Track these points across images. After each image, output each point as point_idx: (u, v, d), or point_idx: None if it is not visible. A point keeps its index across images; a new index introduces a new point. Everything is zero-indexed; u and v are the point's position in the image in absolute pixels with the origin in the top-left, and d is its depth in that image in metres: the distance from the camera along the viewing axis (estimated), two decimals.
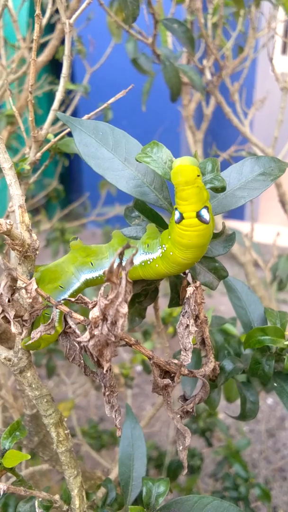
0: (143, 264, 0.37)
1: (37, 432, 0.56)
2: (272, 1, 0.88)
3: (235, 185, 0.39)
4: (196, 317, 0.38)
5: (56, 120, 0.55)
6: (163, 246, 0.35)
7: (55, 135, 0.55)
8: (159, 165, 0.34)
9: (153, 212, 0.41)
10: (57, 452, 0.42)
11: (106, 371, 0.29)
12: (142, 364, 1.14)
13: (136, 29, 0.83)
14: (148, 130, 2.41)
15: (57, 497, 0.43)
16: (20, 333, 0.33)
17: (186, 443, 0.38)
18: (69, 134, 0.44)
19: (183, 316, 0.36)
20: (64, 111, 1.15)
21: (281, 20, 1.18)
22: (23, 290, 0.32)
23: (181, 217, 0.32)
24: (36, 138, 0.49)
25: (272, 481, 1.37)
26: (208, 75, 0.91)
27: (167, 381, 0.35)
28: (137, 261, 0.37)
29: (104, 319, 0.27)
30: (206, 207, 0.32)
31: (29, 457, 0.39)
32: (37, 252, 0.35)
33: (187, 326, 0.35)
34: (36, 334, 0.32)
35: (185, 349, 0.35)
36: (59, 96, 0.50)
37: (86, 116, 0.47)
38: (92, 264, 0.38)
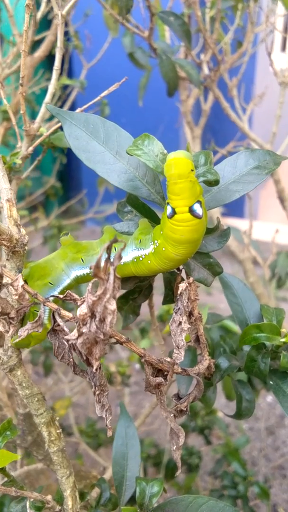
0: (135, 260, 0.36)
1: (30, 431, 0.55)
2: None
3: (229, 179, 0.38)
4: (190, 314, 0.37)
5: (53, 116, 0.54)
6: (155, 241, 0.34)
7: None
8: (151, 158, 0.34)
9: (146, 207, 0.40)
10: (49, 452, 0.41)
11: (96, 369, 0.28)
12: (139, 362, 1.13)
13: (133, 23, 0.81)
14: (146, 126, 2.39)
15: (49, 497, 0.42)
16: (7, 331, 0.32)
17: (180, 443, 0.37)
18: (62, 128, 0.43)
19: (175, 313, 0.35)
20: (61, 107, 1.14)
21: (280, 14, 1.17)
22: (10, 287, 0.31)
23: (173, 212, 0.31)
24: (28, 132, 0.48)
25: (271, 479, 1.36)
26: (205, 70, 0.90)
27: (159, 379, 0.34)
28: (129, 257, 0.36)
29: (92, 316, 0.26)
30: (199, 201, 0.31)
31: (19, 457, 0.38)
32: (26, 248, 0.34)
33: (180, 323, 0.34)
34: (23, 332, 0.31)
35: (178, 347, 0.34)
36: (51, 89, 0.49)
37: (78, 110, 0.46)
38: (82, 260, 0.37)
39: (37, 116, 0.52)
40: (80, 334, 0.27)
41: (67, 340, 0.29)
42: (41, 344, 1.08)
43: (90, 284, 0.26)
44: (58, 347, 0.32)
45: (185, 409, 0.38)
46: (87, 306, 0.26)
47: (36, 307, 0.34)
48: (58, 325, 0.31)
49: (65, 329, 0.31)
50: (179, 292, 0.35)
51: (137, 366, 1.65)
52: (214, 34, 0.86)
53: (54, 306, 0.32)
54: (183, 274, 0.41)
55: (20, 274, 0.32)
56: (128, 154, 0.34)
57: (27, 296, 0.32)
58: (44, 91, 1.36)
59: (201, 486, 1.26)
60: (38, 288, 0.35)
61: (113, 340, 0.32)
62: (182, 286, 0.34)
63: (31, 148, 0.49)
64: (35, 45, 1.00)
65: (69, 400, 1.06)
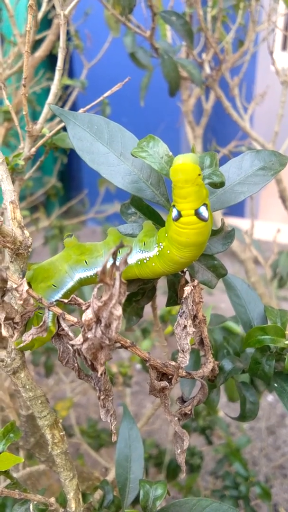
0: (139, 263, 0.36)
1: (33, 433, 0.55)
2: None
3: (235, 180, 0.38)
4: (194, 317, 0.37)
5: (54, 116, 0.54)
6: (160, 244, 0.34)
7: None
8: (156, 160, 0.33)
9: (150, 209, 0.40)
10: (53, 454, 0.41)
11: (101, 374, 0.28)
12: (141, 362, 1.13)
13: (134, 23, 0.81)
14: (148, 126, 2.39)
15: (52, 500, 0.42)
16: (11, 336, 0.32)
17: (184, 446, 0.37)
18: (65, 129, 0.43)
19: (180, 316, 0.35)
20: (62, 107, 1.14)
21: (281, 13, 1.16)
22: (14, 292, 0.31)
23: (179, 215, 0.31)
24: (31, 133, 0.48)
25: (272, 478, 1.36)
26: (207, 69, 0.90)
27: (164, 383, 0.34)
28: (133, 259, 0.36)
29: (98, 321, 0.26)
30: (205, 204, 0.31)
31: (22, 460, 0.38)
32: (30, 250, 0.34)
33: (185, 327, 0.34)
34: (27, 337, 0.31)
35: (183, 351, 0.34)
36: (53, 89, 0.49)
37: (81, 110, 0.46)
38: (86, 262, 0.36)
39: (40, 117, 0.51)
40: (85, 339, 0.26)
41: (72, 345, 0.29)
42: (43, 345, 1.07)
43: (95, 289, 0.26)
44: (62, 352, 0.32)
45: (189, 412, 0.38)
46: (92, 312, 0.25)
47: (41, 310, 0.34)
48: (63, 329, 0.31)
49: (70, 334, 0.31)
50: (184, 296, 0.34)
51: (138, 366, 1.64)
52: (216, 33, 0.86)
53: (59, 310, 0.31)
54: (187, 276, 0.41)
55: (24, 279, 0.32)
56: (133, 156, 0.34)
57: (31, 301, 0.31)
58: (45, 90, 1.36)
59: (202, 486, 1.26)
60: (42, 290, 0.35)
61: (118, 344, 0.32)
62: (187, 289, 0.34)
63: (33, 149, 0.49)
64: (36, 44, 1.00)
65: (70, 401, 1.06)
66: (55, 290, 0.36)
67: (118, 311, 0.25)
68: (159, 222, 0.39)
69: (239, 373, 0.45)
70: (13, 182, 0.49)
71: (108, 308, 0.25)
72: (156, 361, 0.34)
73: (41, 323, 0.31)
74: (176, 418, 0.37)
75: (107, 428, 1.21)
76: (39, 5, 0.87)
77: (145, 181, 0.37)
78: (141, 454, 0.47)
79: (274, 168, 0.37)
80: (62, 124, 0.47)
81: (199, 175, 0.29)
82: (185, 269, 0.41)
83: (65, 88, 1.23)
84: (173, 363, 0.34)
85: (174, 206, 0.31)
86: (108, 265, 0.24)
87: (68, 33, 1.23)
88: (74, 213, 2.45)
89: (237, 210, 3.13)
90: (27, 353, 1.09)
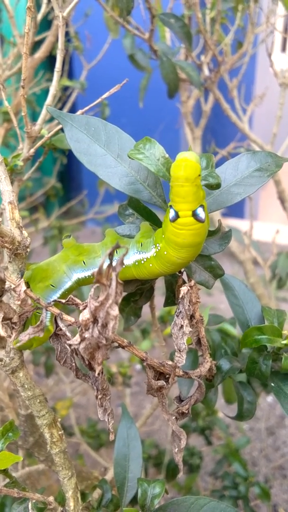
0: (136, 263, 0.36)
1: (32, 432, 0.55)
2: None
3: (231, 182, 0.38)
4: (191, 317, 0.37)
5: (53, 117, 0.54)
6: (157, 245, 0.34)
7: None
8: (152, 162, 0.34)
9: (147, 210, 0.40)
10: (51, 453, 0.42)
11: (98, 374, 0.28)
12: (141, 362, 1.13)
13: (133, 25, 0.82)
14: (147, 127, 2.39)
15: (51, 498, 0.42)
16: (9, 336, 0.32)
17: (181, 445, 0.37)
18: (64, 130, 0.43)
19: (177, 316, 0.35)
20: (61, 108, 1.14)
21: (280, 15, 1.17)
22: (12, 292, 0.32)
23: (176, 216, 0.31)
24: (29, 134, 0.48)
25: (272, 479, 1.36)
26: (206, 71, 0.90)
27: (161, 383, 0.34)
28: (130, 260, 0.36)
29: (95, 321, 0.26)
30: (201, 205, 0.31)
31: (21, 458, 0.38)
32: (28, 250, 0.35)
33: (182, 326, 0.34)
34: (24, 337, 0.31)
35: (180, 350, 0.34)
36: (52, 91, 0.49)
37: (79, 112, 0.46)
38: (84, 263, 0.37)
39: (38, 118, 0.52)
40: (83, 339, 0.27)
41: (70, 345, 0.29)
42: (43, 345, 1.08)
43: (92, 290, 0.26)
44: (60, 352, 0.32)
45: (186, 411, 0.38)
46: (89, 312, 0.26)
47: (39, 310, 0.34)
48: (60, 329, 0.31)
49: (68, 333, 0.31)
50: (180, 296, 0.35)
51: (138, 366, 1.65)
52: (215, 35, 0.86)
53: (56, 311, 0.32)
54: (184, 277, 0.41)
55: (22, 279, 0.32)
56: (130, 158, 0.34)
57: (29, 301, 0.32)
58: (45, 91, 1.36)
59: (201, 486, 1.26)
60: (40, 290, 0.35)
61: (115, 344, 0.32)
62: (183, 289, 0.34)
63: (32, 150, 0.49)
64: (35, 46, 1.00)
65: (70, 400, 1.06)
66: (53, 290, 0.36)
67: (115, 311, 0.25)
68: (156, 223, 0.39)
69: (237, 372, 0.45)
70: (12, 182, 0.49)
71: (104, 308, 0.25)
72: (153, 360, 0.34)
73: (38, 323, 0.32)
74: (174, 417, 0.37)
75: (106, 428, 1.22)
76: (38, 6, 0.88)
77: (142, 182, 0.37)
78: (139, 453, 0.47)
79: (270, 169, 0.38)
80: (60, 125, 0.47)
81: (199, 175, 0.29)
82: (182, 270, 0.41)
83: (65, 89, 1.24)
84: (170, 362, 0.35)
85: (171, 206, 0.31)
86: (105, 266, 0.24)
87: (68, 34, 1.23)
88: (73, 213, 2.46)
89: (236, 211, 3.13)
90: (27, 353, 1.09)
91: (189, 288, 0.35)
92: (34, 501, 0.41)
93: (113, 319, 0.25)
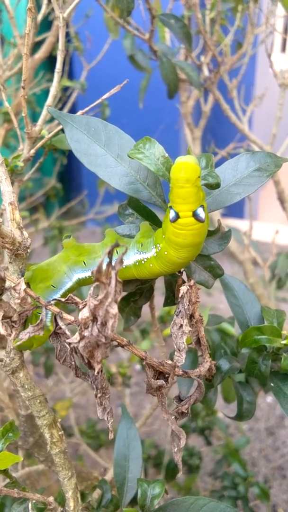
0: (137, 263, 0.36)
1: (32, 433, 0.55)
2: None
3: (230, 181, 0.38)
4: (191, 317, 0.37)
5: (53, 117, 0.54)
6: (157, 245, 0.34)
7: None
8: (152, 162, 0.34)
9: (147, 210, 0.40)
10: (51, 453, 0.42)
11: (98, 372, 0.28)
12: (140, 362, 1.13)
13: (133, 25, 0.82)
14: (147, 127, 2.39)
15: (51, 499, 0.42)
16: (9, 335, 0.32)
17: (181, 445, 0.38)
18: (64, 131, 0.43)
19: (176, 315, 0.35)
20: (61, 109, 1.14)
21: (279, 16, 1.17)
22: (13, 291, 0.32)
23: (177, 216, 0.31)
24: (30, 135, 0.48)
25: (271, 479, 1.36)
26: (206, 72, 0.90)
27: (160, 382, 0.34)
28: (131, 260, 0.36)
29: (94, 319, 0.26)
30: (201, 206, 0.31)
31: (21, 459, 0.38)
32: (29, 250, 0.35)
33: (181, 326, 0.34)
34: (24, 336, 0.31)
35: (179, 350, 0.34)
36: (53, 91, 0.49)
37: (80, 112, 0.46)
38: (84, 263, 0.37)
39: (39, 119, 0.52)
40: (82, 338, 0.27)
41: (69, 344, 0.29)
42: (42, 345, 1.08)
43: (92, 288, 0.26)
44: (60, 350, 0.32)
45: (186, 411, 0.38)
46: (89, 310, 0.26)
47: (39, 309, 0.34)
48: (60, 328, 0.32)
49: (67, 332, 0.31)
50: (180, 295, 0.35)
51: (138, 367, 1.65)
52: (214, 35, 0.86)
53: (56, 309, 0.32)
54: (184, 276, 0.41)
55: (22, 278, 0.32)
56: (130, 157, 0.34)
57: (29, 299, 0.32)
58: (44, 92, 1.36)
59: (201, 486, 1.26)
60: (41, 291, 0.36)
61: (114, 343, 0.32)
62: (183, 289, 0.35)
63: (33, 151, 0.49)
64: (36, 46, 1.00)
65: (70, 401, 1.06)
66: (53, 290, 0.36)
67: (114, 309, 0.25)
68: (156, 223, 0.39)
69: (236, 372, 0.45)
70: (12, 183, 0.49)
71: (104, 306, 0.25)
72: (152, 359, 0.35)
73: (38, 322, 0.32)
74: (173, 417, 0.37)
75: (106, 429, 1.22)
76: (38, 7, 0.88)
77: (142, 182, 0.37)
78: (139, 454, 0.48)
79: (269, 169, 0.38)
80: (61, 126, 0.48)
81: (199, 177, 0.30)
82: (182, 269, 0.41)
83: (65, 89, 1.24)
84: (169, 362, 0.35)
85: (171, 207, 0.31)
86: (104, 265, 0.25)
87: (68, 34, 1.23)
88: (73, 214, 2.46)
89: (236, 211, 3.13)
90: (27, 354, 1.09)
91: (188, 287, 0.35)
92: (34, 501, 0.41)
93: (112, 317, 0.25)
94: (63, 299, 0.32)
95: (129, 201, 0.40)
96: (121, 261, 0.25)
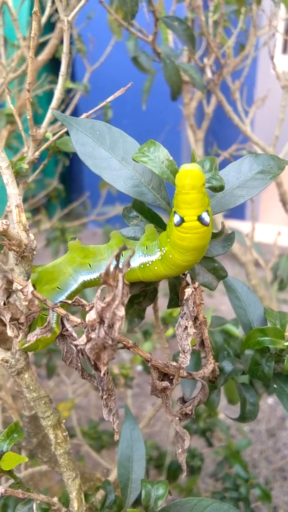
0: (142, 266, 0.36)
1: (36, 434, 0.55)
2: None
3: (234, 184, 0.38)
4: (195, 318, 0.37)
5: (55, 119, 0.55)
6: (162, 248, 0.35)
7: (55, 134, 0.55)
8: (156, 165, 0.34)
9: (151, 212, 0.40)
10: (56, 454, 0.42)
11: (104, 374, 0.28)
12: (142, 364, 1.13)
13: (137, 27, 0.82)
14: (149, 129, 2.40)
15: (55, 499, 0.42)
16: (17, 337, 0.32)
17: (185, 446, 0.38)
18: (68, 133, 0.44)
19: (181, 317, 0.35)
20: (64, 110, 1.15)
21: (282, 18, 1.17)
22: (19, 293, 0.32)
23: (182, 220, 0.31)
24: (35, 137, 0.49)
25: (272, 481, 1.36)
26: (209, 74, 0.90)
27: (165, 383, 0.35)
28: (136, 263, 0.36)
29: (101, 322, 0.26)
30: (206, 210, 0.31)
31: (26, 459, 0.38)
32: (35, 253, 0.35)
33: (186, 328, 0.34)
34: (32, 338, 0.32)
35: (184, 351, 0.34)
36: (57, 94, 0.50)
37: (84, 115, 0.47)
38: (90, 265, 0.37)
39: (42, 120, 0.52)
40: (89, 340, 0.27)
41: (76, 346, 0.29)
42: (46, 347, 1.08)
43: (99, 291, 0.26)
44: (66, 352, 0.33)
45: (190, 412, 0.38)
46: (96, 312, 0.26)
47: (45, 312, 0.34)
48: (67, 330, 0.32)
49: (74, 334, 0.31)
50: (185, 297, 0.35)
51: (139, 368, 1.65)
52: (217, 38, 0.87)
53: (63, 311, 0.32)
54: (188, 279, 0.41)
55: (29, 280, 0.32)
56: (134, 160, 0.35)
57: (36, 302, 0.32)
58: (46, 93, 1.37)
59: (202, 488, 1.26)
60: (46, 293, 0.36)
61: (120, 345, 0.33)
62: (188, 291, 0.35)
63: (37, 153, 0.49)
64: (39, 48, 1.01)
65: (72, 402, 1.07)
66: (59, 292, 0.37)
67: (121, 311, 0.25)
68: (160, 225, 0.40)
69: (239, 374, 0.46)
70: (17, 185, 0.49)
71: (111, 309, 0.25)
72: (157, 361, 0.35)
73: (46, 324, 0.32)
74: (177, 418, 0.37)
75: (108, 430, 1.22)
76: (42, 9, 0.88)
77: (147, 185, 0.38)
78: (143, 455, 0.48)
79: (273, 171, 0.38)
80: (65, 129, 0.48)
81: (203, 184, 0.30)
82: (186, 272, 0.41)
83: (68, 91, 1.24)
84: (174, 363, 0.35)
85: (175, 212, 0.32)
86: (112, 267, 0.25)
87: (71, 36, 1.24)
88: (75, 215, 2.46)
89: (237, 212, 3.14)
90: (29, 354, 1.09)
91: (193, 289, 0.35)
92: (38, 501, 0.41)
93: (119, 319, 0.26)
94: (70, 301, 0.32)
95: (133, 204, 0.41)
96: (128, 264, 0.25)
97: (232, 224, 2.78)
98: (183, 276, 0.42)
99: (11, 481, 0.43)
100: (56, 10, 1.00)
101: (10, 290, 0.31)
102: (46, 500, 0.41)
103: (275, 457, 1.46)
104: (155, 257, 0.35)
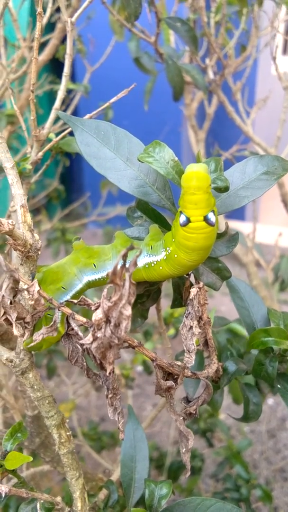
0: (147, 266, 0.36)
1: (38, 433, 0.55)
2: (275, 0, 0.87)
3: (238, 185, 0.39)
4: (199, 318, 0.37)
5: (56, 120, 0.55)
6: (167, 248, 0.35)
7: (56, 135, 0.55)
8: (162, 165, 0.34)
9: (156, 213, 0.40)
10: (59, 454, 0.42)
11: (109, 373, 0.28)
12: (142, 364, 1.13)
13: (139, 28, 0.82)
14: (150, 129, 2.40)
15: (59, 499, 0.42)
16: (22, 335, 0.33)
17: (189, 446, 0.38)
18: (71, 134, 0.44)
19: (186, 317, 0.35)
20: (65, 111, 1.15)
21: (283, 19, 1.18)
22: (25, 292, 0.32)
23: (188, 221, 0.31)
24: (38, 138, 0.49)
25: (273, 481, 1.36)
26: (210, 74, 0.91)
27: (170, 383, 0.35)
28: (141, 263, 0.37)
29: (107, 321, 0.26)
30: (212, 210, 0.32)
31: (31, 459, 0.39)
32: (39, 253, 0.35)
33: (191, 327, 0.35)
34: (38, 337, 0.32)
35: (189, 351, 0.34)
36: (60, 95, 0.50)
37: (87, 116, 0.47)
38: (94, 265, 0.37)
39: (47, 122, 0.52)
40: (95, 339, 0.27)
41: (81, 345, 0.29)
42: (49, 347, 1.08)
43: (105, 290, 0.27)
44: (72, 351, 0.33)
45: (194, 412, 0.38)
46: (102, 312, 0.26)
47: (50, 311, 0.34)
48: (72, 329, 0.32)
49: (80, 333, 0.31)
50: (190, 297, 0.35)
51: (139, 369, 1.65)
52: (219, 38, 0.87)
53: (69, 311, 0.32)
54: (192, 279, 0.41)
55: (36, 280, 0.32)
56: (140, 161, 0.35)
57: (42, 301, 0.32)
58: (47, 94, 1.37)
59: (202, 488, 1.26)
60: (51, 292, 0.36)
61: (125, 344, 0.33)
62: (193, 291, 0.35)
63: (40, 154, 0.49)
64: (39, 48, 1.01)
65: (73, 402, 1.07)
66: (64, 292, 0.37)
67: (128, 311, 0.25)
68: (165, 226, 0.40)
69: (243, 374, 0.46)
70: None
71: (118, 308, 0.26)
72: (162, 361, 0.35)
73: (52, 323, 0.32)
74: (181, 418, 0.37)
75: (108, 431, 1.22)
76: (43, 10, 0.88)
77: (151, 185, 0.38)
78: (146, 455, 0.48)
79: (277, 172, 0.38)
80: (69, 129, 0.48)
81: (209, 185, 0.30)
82: (190, 272, 0.41)
83: (68, 91, 1.24)
84: (179, 363, 0.35)
85: (181, 212, 0.32)
86: (119, 267, 0.25)
87: None
88: (75, 215, 2.46)
89: (237, 213, 3.14)
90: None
91: (198, 289, 0.35)
92: (42, 501, 0.41)
93: (126, 319, 0.26)
94: (75, 301, 0.32)
95: (137, 204, 0.41)
96: (135, 263, 0.25)
97: (232, 224, 2.78)
98: (187, 276, 0.42)
99: (14, 480, 0.43)
100: (57, 10, 1.00)
101: (16, 289, 0.31)
102: (50, 500, 0.41)
103: (275, 458, 1.46)
104: (160, 257, 0.35)
